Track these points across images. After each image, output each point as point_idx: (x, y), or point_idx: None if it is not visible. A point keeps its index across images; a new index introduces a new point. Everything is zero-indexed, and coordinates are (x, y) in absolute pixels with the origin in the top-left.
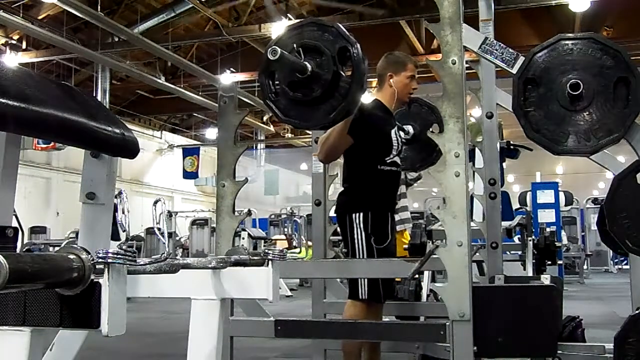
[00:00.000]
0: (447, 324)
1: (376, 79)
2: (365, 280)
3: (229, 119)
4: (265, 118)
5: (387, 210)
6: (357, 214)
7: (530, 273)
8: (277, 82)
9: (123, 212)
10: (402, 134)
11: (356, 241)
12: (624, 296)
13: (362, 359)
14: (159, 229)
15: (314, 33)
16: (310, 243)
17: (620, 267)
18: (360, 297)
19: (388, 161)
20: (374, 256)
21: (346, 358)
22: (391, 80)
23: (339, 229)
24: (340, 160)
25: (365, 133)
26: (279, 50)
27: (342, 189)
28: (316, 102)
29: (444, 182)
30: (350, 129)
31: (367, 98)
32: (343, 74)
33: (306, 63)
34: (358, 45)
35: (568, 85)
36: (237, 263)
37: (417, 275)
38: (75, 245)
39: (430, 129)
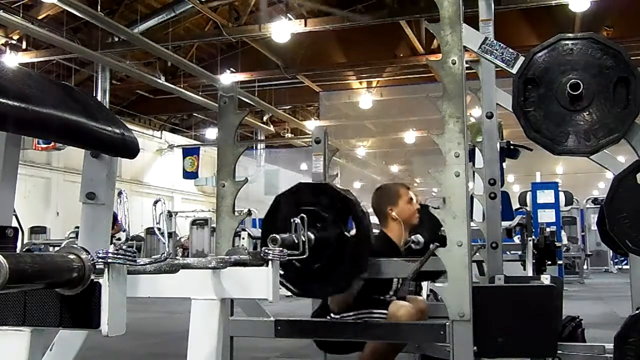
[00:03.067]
0: (447, 324)
1: (377, 217)
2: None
3: (229, 119)
4: (265, 118)
5: None
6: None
7: (530, 273)
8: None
9: (123, 213)
10: (413, 245)
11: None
12: (624, 296)
13: None
14: (159, 229)
15: (308, 196)
16: None
17: (620, 267)
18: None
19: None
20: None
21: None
22: (393, 214)
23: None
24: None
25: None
26: (278, 238)
27: None
28: (332, 267)
29: (444, 182)
30: None
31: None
32: (348, 233)
33: (309, 234)
34: (357, 201)
35: (568, 85)
36: (237, 263)
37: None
38: (75, 245)
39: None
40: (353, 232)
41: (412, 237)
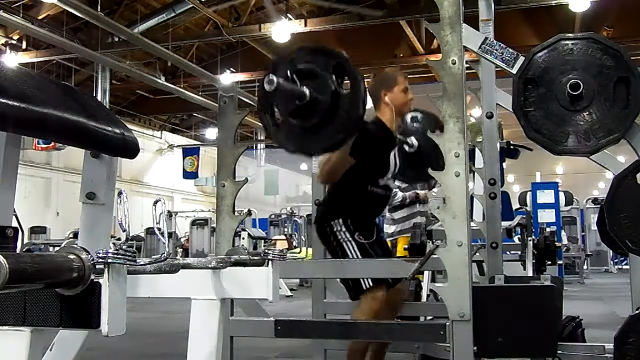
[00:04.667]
0: (447, 324)
1: (372, 102)
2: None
3: (229, 119)
4: None
5: (369, 224)
6: (337, 220)
7: (530, 273)
8: (277, 115)
9: (124, 213)
10: (406, 147)
11: (343, 243)
12: (624, 296)
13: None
14: (159, 229)
15: (305, 58)
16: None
17: (620, 267)
18: (365, 287)
19: (381, 184)
20: (367, 251)
21: (350, 356)
22: (387, 98)
23: (320, 241)
24: None
25: (365, 154)
26: (275, 79)
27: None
28: (322, 125)
29: (444, 182)
30: (351, 149)
31: (368, 115)
32: (342, 91)
33: (304, 88)
34: (350, 61)
35: (568, 85)
36: (237, 263)
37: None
38: (75, 245)
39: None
40: None
41: (407, 139)
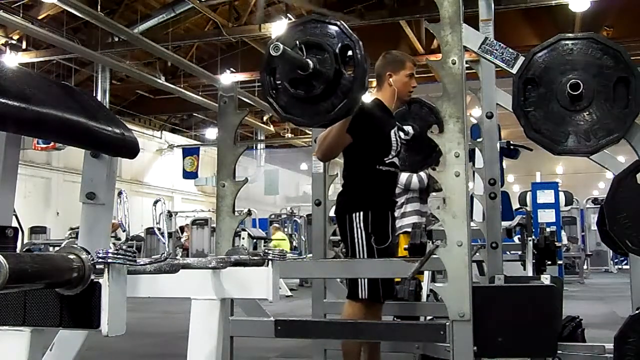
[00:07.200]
0: (447, 324)
1: (375, 79)
2: (366, 280)
3: (229, 119)
4: (265, 118)
5: (387, 209)
6: (357, 214)
7: (530, 273)
8: (277, 79)
9: (124, 213)
10: (401, 134)
11: (356, 241)
12: (624, 296)
13: (361, 359)
14: (159, 229)
15: (316, 30)
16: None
17: (620, 267)
18: (360, 296)
19: (387, 162)
20: (374, 256)
21: (346, 358)
22: (390, 80)
23: (338, 229)
24: (340, 160)
25: (364, 132)
26: (281, 46)
27: (341, 188)
28: (317, 100)
29: (444, 182)
30: (349, 127)
31: (367, 97)
32: (345, 72)
33: (308, 60)
34: (360, 44)
35: (568, 85)
36: (237, 263)
37: (417, 275)
38: (75, 245)
39: (430, 130)
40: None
41: (404, 126)
